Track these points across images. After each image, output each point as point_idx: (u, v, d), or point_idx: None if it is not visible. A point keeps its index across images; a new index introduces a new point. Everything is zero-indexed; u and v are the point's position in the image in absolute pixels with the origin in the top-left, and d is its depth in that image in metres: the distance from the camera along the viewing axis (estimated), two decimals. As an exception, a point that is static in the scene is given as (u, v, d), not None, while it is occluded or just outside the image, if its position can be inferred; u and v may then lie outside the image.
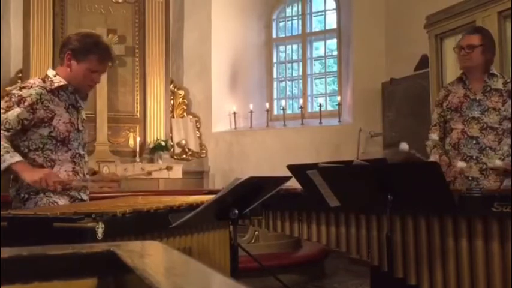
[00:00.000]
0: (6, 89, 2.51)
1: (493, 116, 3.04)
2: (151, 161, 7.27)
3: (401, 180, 2.17)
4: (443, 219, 2.34)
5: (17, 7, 7.03)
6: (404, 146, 2.84)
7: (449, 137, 3.16)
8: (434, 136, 3.18)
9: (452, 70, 4.49)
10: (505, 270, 2.19)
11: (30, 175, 2.31)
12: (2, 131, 2.32)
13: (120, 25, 7.39)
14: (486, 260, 2.24)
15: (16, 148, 2.37)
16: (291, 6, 8.14)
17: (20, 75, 6.93)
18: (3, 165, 2.27)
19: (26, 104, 2.37)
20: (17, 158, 2.31)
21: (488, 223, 2.24)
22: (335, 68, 7.79)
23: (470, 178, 3.04)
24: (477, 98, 3.09)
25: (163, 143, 7.31)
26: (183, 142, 7.73)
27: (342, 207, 2.45)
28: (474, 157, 3.04)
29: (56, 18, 7.02)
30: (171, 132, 7.67)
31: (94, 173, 2.83)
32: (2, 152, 2.28)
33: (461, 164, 2.98)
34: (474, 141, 3.05)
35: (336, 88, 7.75)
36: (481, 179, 3.01)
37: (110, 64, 2.63)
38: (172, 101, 7.76)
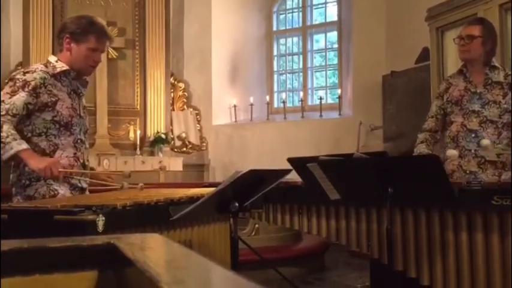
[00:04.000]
0: (13, 74, 2.52)
1: (493, 110, 3.01)
2: (152, 154, 7.28)
3: (402, 173, 2.17)
4: (443, 212, 2.34)
5: (16, 0, 7.00)
6: None
7: (448, 129, 3.15)
8: (424, 135, 3.18)
9: (453, 63, 4.48)
10: (505, 263, 2.20)
11: (35, 163, 2.32)
12: (9, 117, 2.33)
13: (120, 18, 7.37)
14: (486, 253, 2.24)
15: (19, 133, 2.37)
16: (291, -1, 8.12)
17: (20, 67, 6.92)
18: (11, 152, 2.29)
19: (30, 88, 2.38)
20: (24, 145, 2.32)
21: (488, 216, 2.24)
22: (335, 61, 7.77)
23: (468, 172, 3.03)
24: (478, 91, 3.06)
25: (163, 136, 7.31)
26: (183, 135, 7.73)
27: (342, 200, 2.45)
28: (472, 151, 3.02)
29: (55, 11, 7.00)
30: (171, 125, 7.66)
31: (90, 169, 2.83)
32: (9, 139, 2.29)
33: (451, 152, 2.95)
34: (473, 135, 3.03)
35: (337, 81, 7.73)
36: (479, 173, 3.00)
37: (108, 43, 2.63)
38: (172, 94, 7.75)
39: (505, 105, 3.00)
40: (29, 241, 0.89)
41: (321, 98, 7.34)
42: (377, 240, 2.55)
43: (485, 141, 2.86)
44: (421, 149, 3.13)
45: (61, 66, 2.51)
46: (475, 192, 2.29)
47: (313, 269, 4.96)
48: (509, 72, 3.07)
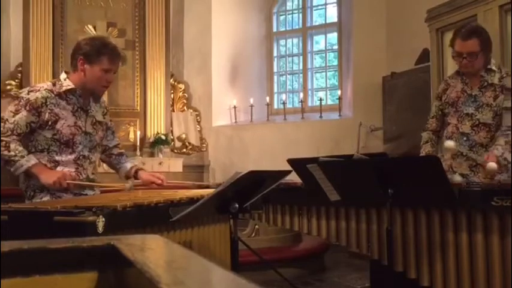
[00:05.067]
0: (19, 92, 2.65)
1: (487, 112, 3.01)
2: (152, 155, 7.27)
3: (402, 174, 2.17)
4: (443, 213, 2.34)
5: (16, 0, 7.00)
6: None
7: (446, 130, 3.18)
8: (427, 134, 3.20)
9: (452, 64, 4.47)
10: (505, 264, 2.20)
11: (46, 177, 2.43)
12: (14, 136, 2.44)
13: (120, 18, 7.37)
14: (486, 253, 2.25)
15: (25, 148, 2.48)
16: (291, 0, 8.11)
17: (20, 68, 6.93)
18: (22, 170, 2.43)
19: (31, 107, 2.46)
20: (33, 161, 2.44)
21: (487, 217, 2.24)
22: (335, 62, 7.77)
23: (459, 174, 3.03)
24: (473, 94, 3.06)
25: (163, 137, 7.31)
26: (184, 136, 7.73)
27: (342, 201, 2.45)
28: (464, 153, 3.02)
29: (55, 11, 7.00)
30: (172, 126, 7.66)
31: (137, 170, 2.86)
32: (18, 158, 2.42)
33: (448, 144, 2.90)
34: (465, 138, 3.03)
35: (337, 82, 7.73)
36: (470, 176, 3.00)
37: (120, 63, 2.71)
38: (172, 95, 7.75)
39: (495, 108, 2.99)
40: (29, 242, 0.89)
41: (321, 99, 7.34)
42: (377, 241, 2.56)
43: (450, 143, 2.87)
44: (427, 148, 3.16)
45: (67, 84, 2.57)
46: (475, 193, 2.30)
47: (313, 269, 4.95)
48: (505, 75, 3.05)
